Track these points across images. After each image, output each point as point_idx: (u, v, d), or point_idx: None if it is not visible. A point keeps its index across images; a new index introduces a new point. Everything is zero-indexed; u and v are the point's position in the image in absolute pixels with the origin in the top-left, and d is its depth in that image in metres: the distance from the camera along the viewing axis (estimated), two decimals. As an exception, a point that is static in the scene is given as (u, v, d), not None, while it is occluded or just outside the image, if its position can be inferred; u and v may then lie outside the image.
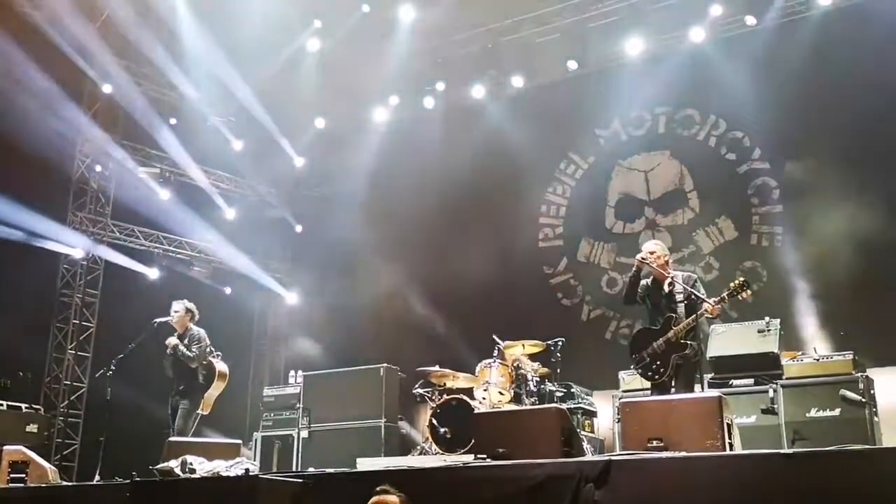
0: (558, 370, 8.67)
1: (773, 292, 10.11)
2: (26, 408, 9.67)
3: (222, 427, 9.98)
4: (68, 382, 11.42)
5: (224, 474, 5.84)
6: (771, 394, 7.44)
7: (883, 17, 9.62)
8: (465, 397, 8.48)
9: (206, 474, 5.86)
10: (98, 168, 12.19)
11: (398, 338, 11.70)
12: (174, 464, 5.97)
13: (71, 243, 11.57)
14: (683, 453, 4.78)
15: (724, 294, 6.37)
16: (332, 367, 10.77)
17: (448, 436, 8.30)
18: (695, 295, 6.46)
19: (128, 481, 5.52)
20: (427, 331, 11.69)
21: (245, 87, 12.29)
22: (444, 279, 12.20)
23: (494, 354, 8.66)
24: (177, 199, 12.63)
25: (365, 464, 7.55)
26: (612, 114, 11.99)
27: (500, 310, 11.47)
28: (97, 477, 7.65)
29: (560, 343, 8.63)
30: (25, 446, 7.35)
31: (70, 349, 11.51)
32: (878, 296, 9.30)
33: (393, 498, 4.05)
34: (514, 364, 8.64)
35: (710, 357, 7.89)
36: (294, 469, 9.39)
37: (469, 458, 6.36)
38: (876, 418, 7.16)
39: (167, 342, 8.42)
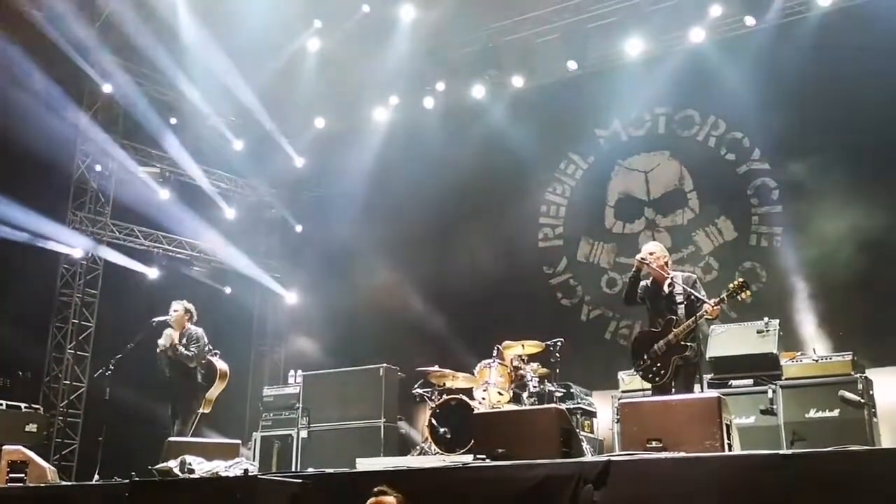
0: (558, 370, 8.66)
1: (772, 293, 10.12)
2: (25, 407, 9.68)
3: (221, 427, 9.96)
4: (67, 382, 11.42)
5: (223, 474, 5.84)
6: (770, 394, 7.45)
7: (882, 17, 9.62)
8: (464, 397, 8.49)
9: (205, 474, 5.87)
10: (98, 168, 12.17)
11: (398, 338, 11.71)
12: (173, 464, 5.97)
13: (70, 243, 11.57)
14: (682, 454, 4.78)
15: (724, 295, 6.36)
16: (331, 367, 10.78)
17: (447, 436, 8.30)
18: (694, 296, 6.46)
19: (127, 481, 5.53)
20: (426, 331, 11.69)
21: (245, 86, 12.29)
22: (443, 279, 12.22)
23: (494, 354, 8.66)
24: (177, 198, 12.63)
25: (364, 464, 7.56)
26: (611, 114, 12.00)
27: (500, 310, 11.48)
28: (96, 477, 7.64)
29: (559, 343, 8.62)
30: (24, 446, 7.37)
31: (69, 349, 11.51)
32: (878, 296, 9.30)
33: (390, 499, 4.06)
34: (514, 364, 8.65)
35: (710, 357, 7.89)
36: (293, 469, 9.40)
37: (468, 458, 6.37)
38: (875, 419, 7.16)
39: (159, 342, 8.39)
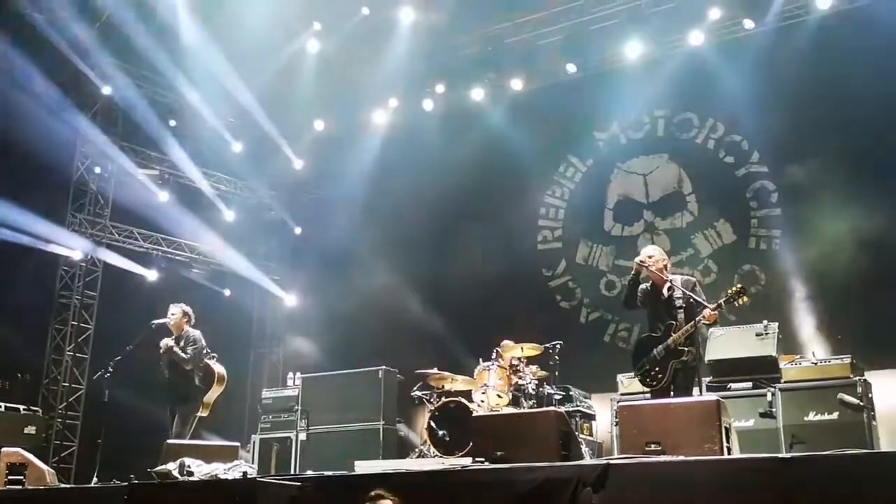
0: (556, 373, 8.65)
1: (771, 296, 10.13)
2: (24, 409, 9.68)
3: (220, 429, 9.96)
4: (66, 384, 11.41)
5: (222, 477, 5.85)
6: (769, 397, 7.46)
7: (881, 20, 9.63)
8: (463, 400, 8.49)
9: (203, 477, 5.86)
10: (97, 170, 12.18)
11: (396, 340, 11.71)
12: (172, 466, 5.97)
13: (70, 245, 11.56)
14: (681, 457, 4.77)
15: (721, 301, 6.37)
16: (330, 370, 10.78)
17: (446, 438, 8.30)
18: (694, 299, 6.46)
19: (126, 483, 5.53)
20: (425, 333, 11.69)
21: (245, 89, 12.29)
22: (442, 281, 12.22)
23: (493, 357, 8.65)
24: (176, 200, 12.63)
25: (363, 466, 7.57)
26: (611, 117, 12.01)
27: (499, 312, 11.48)
28: (95, 479, 7.62)
29: (558, 346, 8.60)
30: (23, 448, 7.34)
31: (68, 351, 11.50)
32: (877, 299, 9.31)
33: (387, 502, 4.07)
34: (513, 367, 8.64)
35: (709, 360, 7.90)
36: (292, 472, 9.38)
37: (467, 461, 6.37)
38: (874, 422, 7.16)
39: (161, 343, 8.40)
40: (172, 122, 12.67)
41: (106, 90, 11.82)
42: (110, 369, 8.26)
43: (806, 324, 9.72)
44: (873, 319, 9.26)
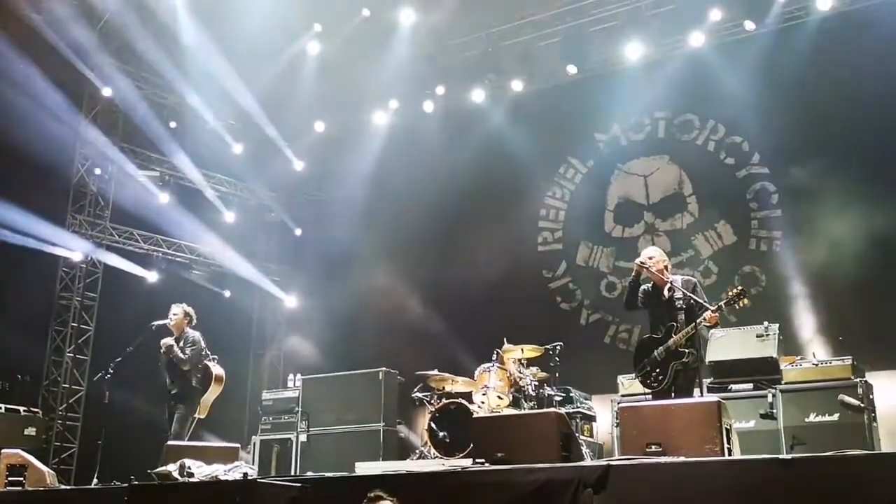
0: (557, 374, 8.65)
1: (771, 297, 10.12)
2: (24, 411, 9.69)
3: (221, 431, 9.97)
4: (67, 386, 11.40)
5: (222, 478, 5.84)
6: (770, 399, 7.44)
7: (881, 22, 9.64)
8: (463, 401, 8.48)
9: (204, 478, 5.86)
10: (97, 171, 12.16)
11: (397, 341, 11.70)
12: (172, 467, 5.96)
13: (70, 246, 11.56)
14: (682, 458, 4.77)
15: (722, 303, 6.38)
16: (330, 371, 10.77)
17: (447, 440, 8.30)
18: (694, 300, 6.45)
19: (126, 485, 5.52)
20: (426, 334, 11.68)
21: (245, 90, 12.29)
22: (443, 283, 12.22)
23: (493, 358, 8.65)
24: (176, 202, 12.63)
25: (363, 468, 7.55)
26: (611, 118, 12.01)
27: (499, 314, 11.45)
28: (95, 480, 7.62)
29: (559, 347, 8.60)
30: (23, 450, 7.34)
31: (69, 352, 11.49)
32: (877, 300, 9.31)
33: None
34: (513, 368, 8.63)
35: (709, 362, 7.89)
36: (292, 473, 9.37)
37: (468, 462, 6.37)
38: (875, 423, 7.15)
39: (161, 343, 8.41)
40: (173, 124, 12.67)
41: (106, 92, 11.82)
42: (110, 371, 8.25)
43: (806, 325, 9.72)
44: (874, 320, 9.25)
